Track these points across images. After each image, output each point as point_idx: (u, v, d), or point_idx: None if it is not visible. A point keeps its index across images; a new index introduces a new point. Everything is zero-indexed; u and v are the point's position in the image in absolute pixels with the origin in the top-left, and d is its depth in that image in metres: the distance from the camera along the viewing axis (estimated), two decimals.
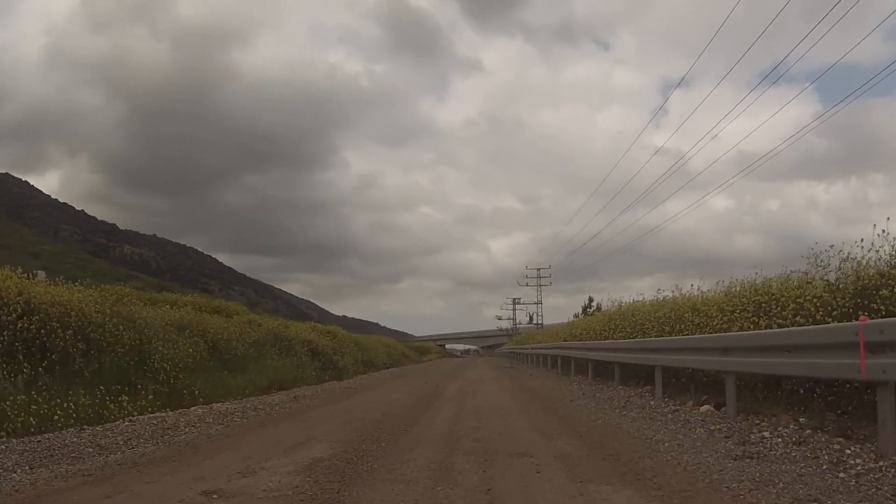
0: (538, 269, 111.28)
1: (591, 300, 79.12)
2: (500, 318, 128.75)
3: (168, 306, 21.91)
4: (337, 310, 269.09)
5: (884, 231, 8.94)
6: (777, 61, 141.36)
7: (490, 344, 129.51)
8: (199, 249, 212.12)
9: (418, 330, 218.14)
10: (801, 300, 9.71)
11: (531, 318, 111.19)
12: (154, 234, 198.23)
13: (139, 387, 13.23)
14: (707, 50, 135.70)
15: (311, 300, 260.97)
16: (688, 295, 15.71)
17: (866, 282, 8.74)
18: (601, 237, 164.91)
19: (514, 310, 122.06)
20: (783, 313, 10.09)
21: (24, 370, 10.80)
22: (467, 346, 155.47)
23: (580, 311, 77.01)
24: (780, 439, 7.80)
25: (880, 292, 8.21)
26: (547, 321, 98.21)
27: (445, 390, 18.35)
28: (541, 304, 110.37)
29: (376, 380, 25.75)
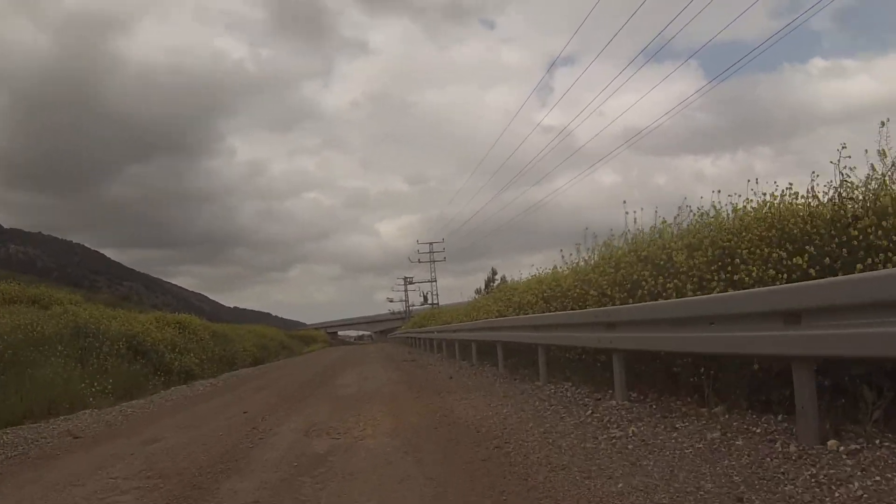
0: (431, 244, 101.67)
1: (494, 272, 72.51)
2: (391, 301, 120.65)
3: None
4: (229, 301, 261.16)
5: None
6: (662, 37, 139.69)
7: (383, 329, 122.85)
8: (87, 245, 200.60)
9: (311, 318, 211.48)
10: None
11: (425, 299, 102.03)
12: (39, 232, 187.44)
13: None
14: (591, 27, 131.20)
15: (202, 293, 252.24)
16: None
17: None
18: (490, 214, 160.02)
19: (405, 290, 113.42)
20: None
21: None
22: (361, 332, 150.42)
23: (482, 287, 70.37)
24: None
25: None
26: (442, 301, 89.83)
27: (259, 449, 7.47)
28: (435, 282, 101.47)
29: (183, 399, 15.56)
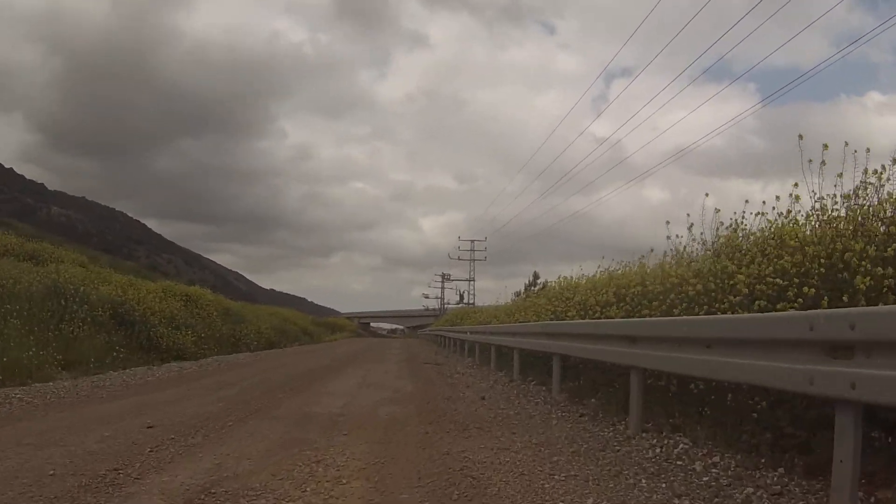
0: (472, 242, 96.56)
1: (536, 276, 67.98)
2: (427, 297, 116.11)
3: None
4: (265, 283, 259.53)
5: None
6: (721, 57, 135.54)
7: (416, 325, 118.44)
8: (129, 214, 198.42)
9: (346, 307, 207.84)
10: None
11: (461, 297, 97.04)
12: (83, 197, 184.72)
13: None
14: (650, 41, 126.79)
15: (241, 272, 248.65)
16: None
17: None
18: (532, 219, 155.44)
19: (442, 287, 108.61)
20: None
21: None
22: (394, 326, 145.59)
23: (522, 291, 66.03)
24: None
25: None
26: (478, 303, 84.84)
27: None
28: (473, 281, 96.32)
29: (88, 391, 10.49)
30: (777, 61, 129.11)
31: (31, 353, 12.66)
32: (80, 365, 14.20)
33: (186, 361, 18.58)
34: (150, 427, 6.98)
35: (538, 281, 68.38)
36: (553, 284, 16.28)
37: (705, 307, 7.06)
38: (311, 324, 55.06)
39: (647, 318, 7.67)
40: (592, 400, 9.09)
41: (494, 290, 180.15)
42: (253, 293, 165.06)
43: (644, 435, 6.67)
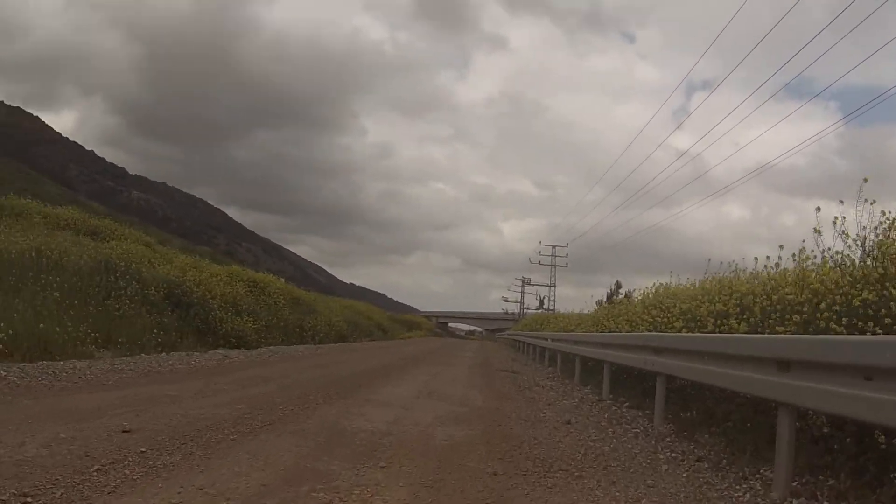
0: (553, 247, 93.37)
1: (618, 285, 65.41)
2: (506, 300, 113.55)
3: None
4: (345, 276, 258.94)
5: None
6: (803, 75, 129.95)
7: (494, 328, 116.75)
8: (209, 202, 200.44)
9: (425, 305, 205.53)
10: None
11: (542, 303, 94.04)
12: (164, 182, 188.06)
13: None
14: (731, 54, 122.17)
15: (320, 264, 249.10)
16: None
17: None
18: (610, 229, 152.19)
19: (522, 291, 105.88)
20: None
21: None
22: (472, 327, 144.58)
23: (603, 299, 63.64)
24: None
25: None
26: (558, 309, 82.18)
27: None
28: (554, 286, 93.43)
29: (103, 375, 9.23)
30: (858, 80, 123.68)
31: (64, 328, 11.61)
32: (126, 344, 13.15)
33: (239, 350, 17.06)
34: (126, 432, 5.34)
35: (620, 290, 65.90)
36: (647, 291, 14.12)
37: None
38: (386, 319, 53.49)
39: (810, 336, 5.58)
40: (706, 436, 7.08)
41: (574, 297, 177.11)
42: (332, 286, 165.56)
43: (795, 502, 4.66)
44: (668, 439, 7.34)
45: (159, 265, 20.40)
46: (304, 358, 16.69)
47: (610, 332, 13.34)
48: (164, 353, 13.37)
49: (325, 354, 18.96)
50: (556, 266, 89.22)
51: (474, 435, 6.73)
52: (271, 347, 19.25)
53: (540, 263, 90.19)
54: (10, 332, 10.00)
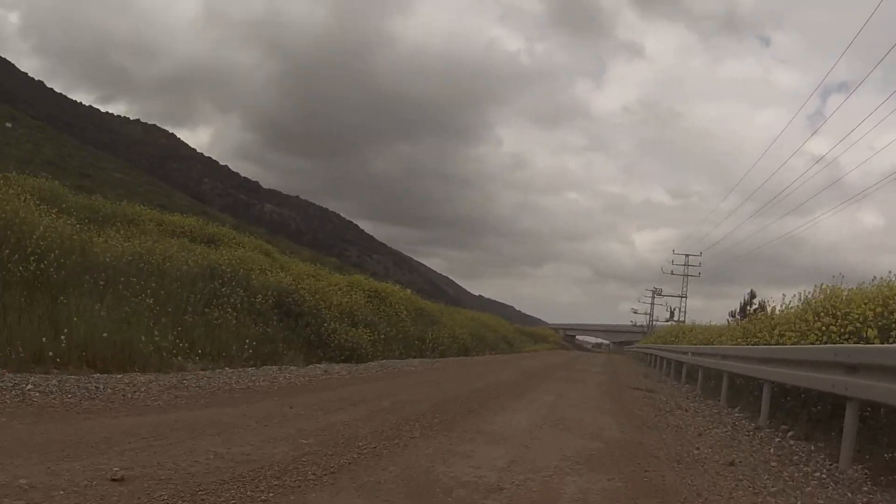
0: (686, 256, 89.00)
1: (753, 295, 61.82)
2: (636, 312, 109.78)
3: None
4: (474, 289, 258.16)
5: None
6: None
7: (623, 340, 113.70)
8: (342, 214, 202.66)
9: (552, 317, 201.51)
10: None
11: (672, 314, 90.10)
12: (297, 196, 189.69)
13: None
14: (868, 54, 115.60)
15: (449, 276, 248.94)
16: None
17: None
18: (743, 239, 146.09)
19: (652, 303, 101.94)
20: None
21: None
22: (600, 340, 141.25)
23: (737, 311, 60.21)
24: None
25: None
26: (689, 321, 78.03)
27: None
28: (685, 297, 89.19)
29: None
30: None
31: (151, 336, 10.54)
32: (210, 355, 12.06)
33: (346, 364, 15.66)
34: (116, 480, 3.76)
35: (754, 300, 62.21)
36: (807, 295, 11.80)
37: None
38: (512, 332, 51.61)
39: None
40: None
41: (704, 309, 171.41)
42: (461, 298, 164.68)
43: None
44: (864, 488, 5.41)
45: (274, 273, 19.19)
46: (416, 374, 15.14)
47: (767, 344, 11.23)
48: (252, 367, 11.99)
49: (440, 369, 17.30)
50: (688, 276, 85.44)
51: (616, 489, 4.91)
52: (384, 361, 17.70)
53: (672, 273, 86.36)
54: (75, 337, 8.87)
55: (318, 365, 14.23)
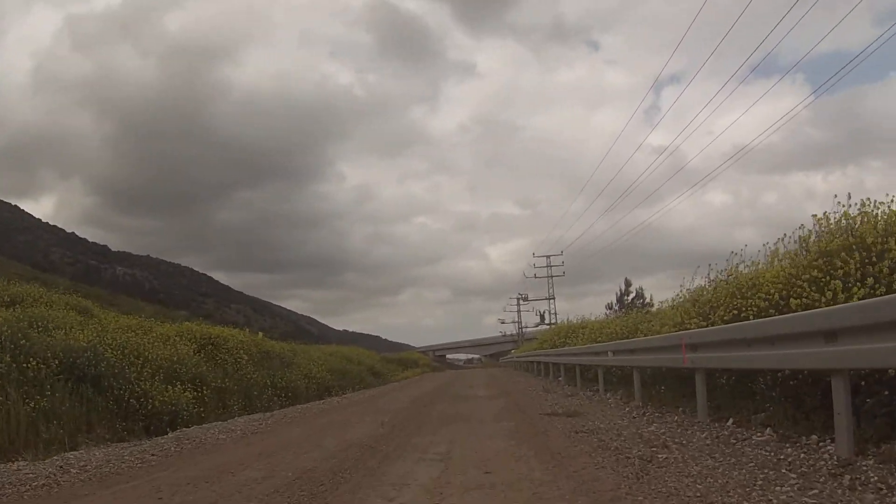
0: (548, 257, 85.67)
1: (628, 283, 58.99)
2: (503, 322, 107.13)
3: None
4: (338, 324, 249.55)
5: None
6: (767, 52, 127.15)
7: (493, 352, 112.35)
8: (195, 269, 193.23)
9: (419, 341, 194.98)
10: None
11: (542, 318, 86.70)
12: (147, 255, 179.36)
13: None
14: (695, 45, 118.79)
15: (312, 315, 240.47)
16: None
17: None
18: (598, 236, 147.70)
19: (518, 310, 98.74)
20: None
21: None
22: (470, 356, 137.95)
23: (613, 302, 57.16)
24: None
25: None
26: (560, 322, 74.33)
27: None
28: (553, 299, 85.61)
29: None
30: (822, 48, 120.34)
31: None
32: None
33: (152, 439, 10.66)
34: None
35: (630, 289, 59.41)
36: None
37: None
38: (378, 362, 46.10)
39: None
40: None
41: (571, 310, 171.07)
42: (325, 335, 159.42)
43: None
44: None
45: (85, 331, 14.89)
46: (222, 447, 9.94)
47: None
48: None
49: (267, 433, 12.02)
50: (553, 276, 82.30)
51: None
52: (197, 428, 12.61)
53: (535, 276, 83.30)
54: None
55: (67, 455, 9.02)
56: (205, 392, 15.61)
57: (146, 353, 15.15)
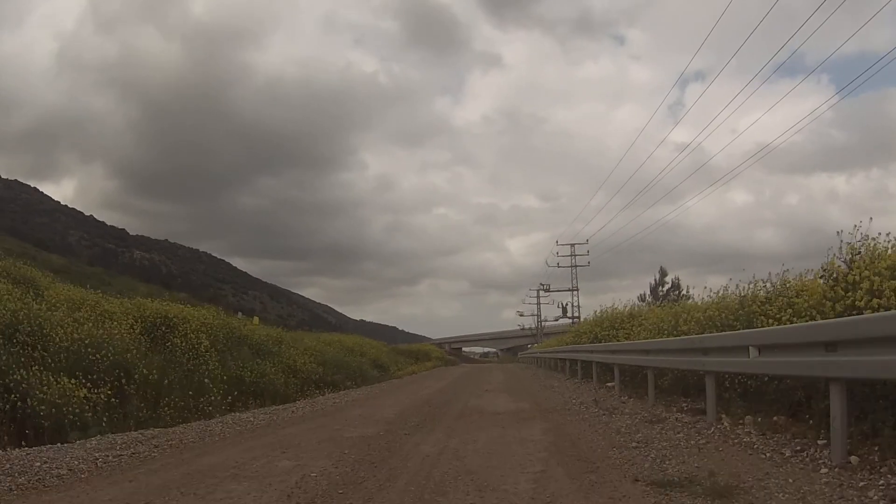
0: (572, 246, 79.08)
1: (664, 273, 53.23)
2: (521, 315, 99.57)
3: None
4: (355, 314, 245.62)
5: None
6: (795, 53, 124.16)
7: (511, 346, 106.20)
8: (213, 254, 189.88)
9: (436, 333, 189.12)
10: None
11: (564, 310, 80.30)
12: (165, 239, 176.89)
13: None
14: (721, 43, 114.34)
15: (330, 304, 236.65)
16: None
17: None
18: (617, 231, 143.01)
19: (538, 302, 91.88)
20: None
21: None
22: (486, 349, 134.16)
23: (646, 293, 51.36)
24: None
25: None
26: (582, 316, 67.63)
27: None
28: (577, 290, 78.72)
29: None
30: (847, 49, 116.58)
31: None
32: None
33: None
34: None
35: (666, 279, 53.81)
36: None
37: None
38: (385, 354, 40.33)
39: None
40: None
41: (590, 306, 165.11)
42: (342, 325, 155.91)
43: None
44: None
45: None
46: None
47: None
48: None
49: (173, 454, 7.11)
50: (576, 266, 76.04)
51: None
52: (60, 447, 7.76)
53: (559, 265, 77.21)
54: None
55: None
56: (129, 388, 11.67)
57: (52, 333, 11.30)
